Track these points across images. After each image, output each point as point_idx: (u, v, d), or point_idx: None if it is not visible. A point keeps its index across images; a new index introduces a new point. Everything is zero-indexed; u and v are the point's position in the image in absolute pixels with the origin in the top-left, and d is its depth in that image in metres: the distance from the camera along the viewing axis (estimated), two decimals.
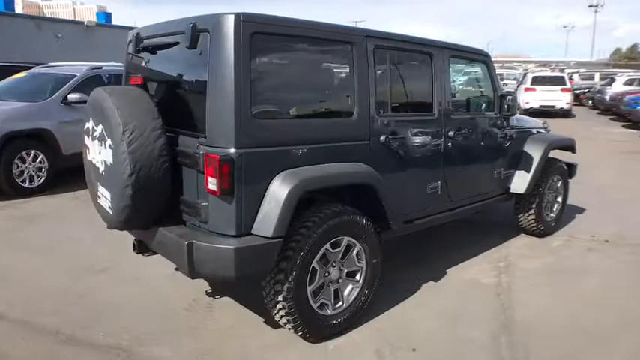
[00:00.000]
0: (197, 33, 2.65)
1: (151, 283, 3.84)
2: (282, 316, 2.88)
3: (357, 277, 3.17)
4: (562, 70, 27.61)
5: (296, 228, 2.77)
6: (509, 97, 4.24)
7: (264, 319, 3.29)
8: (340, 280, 3.10)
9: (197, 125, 2.74)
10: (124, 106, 2.68)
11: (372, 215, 3.18)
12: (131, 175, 2.62)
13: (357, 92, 3.08)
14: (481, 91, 4.36)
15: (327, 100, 3.17)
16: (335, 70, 3.13)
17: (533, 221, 4.89)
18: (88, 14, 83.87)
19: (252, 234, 2.67)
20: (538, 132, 5.01)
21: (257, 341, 3.06)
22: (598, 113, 18.72)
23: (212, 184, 2.56)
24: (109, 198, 2.85)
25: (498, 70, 15.97)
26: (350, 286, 3.15)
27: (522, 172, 4.66)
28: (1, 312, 3.37)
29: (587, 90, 21.24)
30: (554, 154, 5.03)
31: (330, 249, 2.96)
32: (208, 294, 3.67)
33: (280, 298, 2.79)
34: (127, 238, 4.68)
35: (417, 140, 3.51)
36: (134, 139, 2.61)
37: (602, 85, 18.55)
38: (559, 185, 5.14)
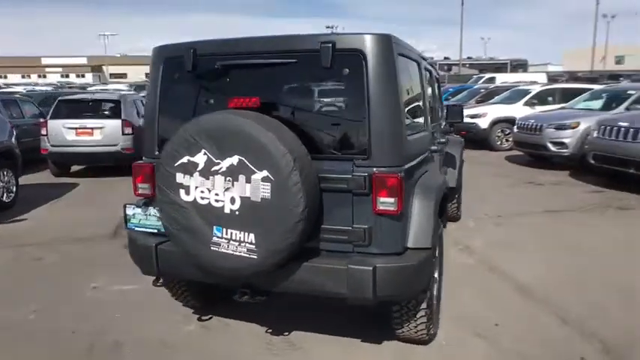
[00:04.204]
0: (338, 53, 2.55)
1: (190, 342, 3.29)
2: (419, 324, 2.96)
3: (436, 274, 3.46)
4: None
5: None
6: (456, 107, 5.11)
7: (361, 339, 3.26)
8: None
9: (345, 146, 2.64)
10: (277, 133, 2.38)
11: None
12: (305, 209, 2.36)
13: (427, 106, 3.40)
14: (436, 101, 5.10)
15: (419, 114, 3.37)
16: (418, 86, 3.36)
17: (455, 209, 5.91)
18: None
19: (408, 248, 2.72)
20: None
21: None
22: None
23: (386, 204, 2.52)
24: (253, 240, 2.45)
25: None
26: (435, 285, 3.42)
27: (450, 169, 5.59)
28: None
29: None
30: None
31: None
32: (273, 333, 3.36)
33: (425, 305, 2.90)
34: (99, 294, 3.85)
35: (437, 147, 3.99)
36: (303, 167, 2.37)
37: None
38: None
